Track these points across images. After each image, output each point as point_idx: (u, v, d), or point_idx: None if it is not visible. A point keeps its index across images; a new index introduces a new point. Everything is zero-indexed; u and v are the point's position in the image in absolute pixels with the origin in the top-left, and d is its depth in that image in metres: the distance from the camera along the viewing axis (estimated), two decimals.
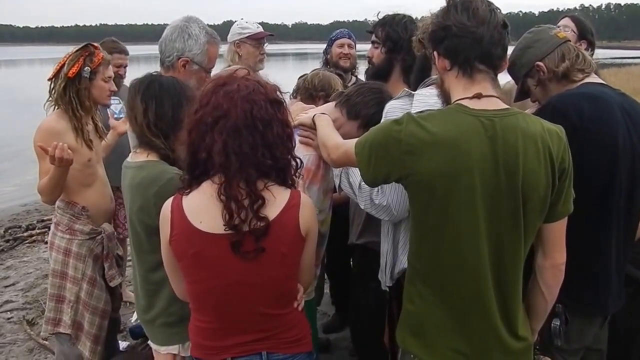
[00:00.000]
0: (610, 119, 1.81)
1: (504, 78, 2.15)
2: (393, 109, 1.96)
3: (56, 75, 2.47)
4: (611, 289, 1.92)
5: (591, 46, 2.90)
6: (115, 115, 3.43)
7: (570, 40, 2.01)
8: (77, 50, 2.48)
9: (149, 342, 2.08)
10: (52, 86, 2.49)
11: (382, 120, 1.97)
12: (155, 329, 2.01)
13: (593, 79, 1.95)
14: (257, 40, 3.44)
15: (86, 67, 2.45)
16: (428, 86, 1.99)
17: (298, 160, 1.65)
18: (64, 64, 2.45)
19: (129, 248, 3.52)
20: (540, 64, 1.95)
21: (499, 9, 1.50)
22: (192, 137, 1.57)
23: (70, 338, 2.57)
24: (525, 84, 2.03)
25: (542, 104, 1.92)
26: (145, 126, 1.93)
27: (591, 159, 1.78)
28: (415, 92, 1.97)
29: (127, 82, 3.45)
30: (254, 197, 1.51)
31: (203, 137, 1.54)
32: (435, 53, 1.55)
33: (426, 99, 1.88)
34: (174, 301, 1.87)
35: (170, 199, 1.62)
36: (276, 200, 1.55)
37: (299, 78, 2.90)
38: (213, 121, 1.52)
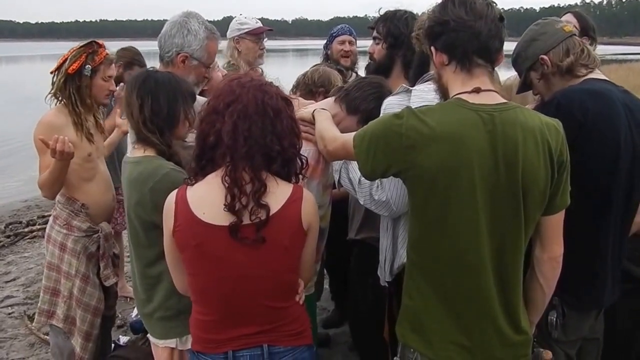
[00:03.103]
0: (614, 117, 1.81)
1: (505, 74, 2.16)
2: (391, 105, 1.95)
3: (58, 69, 2.47)
4: (606, 284, 1.93)
5: (593, 43, 2.90)
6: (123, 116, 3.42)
7: (576, 35, 2.00)
8: (80, 47, 2.48)
9: (148, 335, 2.09)
10: (53, 79, 2.50)
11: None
12: (153, 323, 2.02)
13: (597, 75, 1.95)
14: (256, 35, 3.42)
15: (87, 65, 2.45)
16: (426, 81, 1.99)
17: (304, 160, 1.67)
18: (66, 59, 2.45)
19: (127, 243, 3.53)
20: (545, 57, 1.94)
21: (495, 3, 1.51)
22: (202, 127, 1.60)
23: (64, 332, 2.58)
24: (528, 76, 2.03)
25: (546, 100, 1.91)
26: (141, 122, 1.93)
27: (593, 156, 1.79)
28: (413, 88, 1.97)
29: None
30: (257, 183, 1.52)
31: (213, 123, 1.56)
32: (432, 48, 1.55)
33: (424, 94, 1.88)
34: (172, 295, 1.89)
35: (175, 191, 1.63)
36: (279, 192, 1.56)
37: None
38: (224, 106, 1.55)
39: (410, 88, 1.98)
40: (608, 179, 1.83)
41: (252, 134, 1.52)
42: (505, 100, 1.51)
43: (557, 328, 1.86)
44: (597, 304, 1.95)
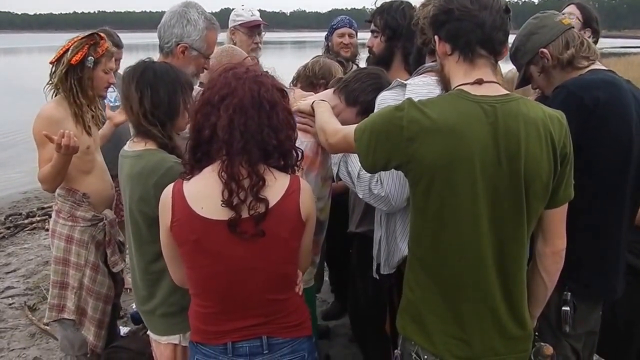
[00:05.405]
0: (625, 106, 1.82)
1: (507, 67, 2.15)
2: (385, 100, 1.94)
3: (58, 60, 2.45)
4: (619, 273, 1.94)
5: (595, 34, 2.90)
6: (112, 104, 3.41)
7: (574, 27, 2.00)
8: (82, 38, 2.46)
9: (148, 332, 2.08)
10: (53, 70, 2.48)
11: (374, 112, 1.96)
12: (155, 319, 2.01)
13: (598, 66, 1.95)
14: (249, 28, 3.38)
15: (90, 57, 2.43)
16: (421, 74, 1.98)
17: (299, 152, 1.66)
18: (67, 49, 2.43)
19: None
20: (545, 50, 1.94)
21: None
22: (197, 118, 1.57)
23: (74, 323, 2.59)
24: (528, 70, 2.02)
25: (556, 88, 1.90)
26: (142, 115, 1.91)
27: (605, 146, 1.80)
28: (407, 82, 1.96)
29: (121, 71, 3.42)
30: (254, 178, 1.51)
31: (208, 116, 1.54)
32: (436, 37, 1.54)
33: (418, 89, 1.87)
34: (175, 291, 1.88)
35: (171, 185, 1.61)
36: (277, 184, 1.55)
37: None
38: (219, 99, 1.53)
39: (405, 82, 1.96)
40: (620, 168, 1.83)
41: (248, 128, 1.51)
42: (507, 92, 1.50)
43: (569, 322, 1.87)
44: (610, 294, 1.96)
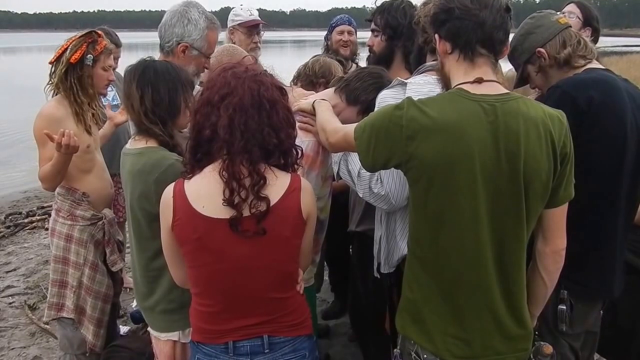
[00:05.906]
0: (619, 105, 1.82)
1: (507, 65, 2.16)
2: (385, 99, 1.94)
3: (58, 59, 2.45)
4: (616, 273, 1.94)
5: (596, 33, 2.90)
6: (112, 104, 3.41)
7: (571, 26, 2.01)
8: (80, 36, 2.47)
9: (149, 328, 2.10)
10: (52, 70, 2.48)
11: (375, 110, 1.96)
12: (155, 316, 2.02)
13: (595, 65, 1.95)
14: (248, 28, 3.38)
15: (89, 54, 2.44)
16: (422, 73, 1.98)
17: (299, 150, 1.66)
18: (66, 49, 2.44)
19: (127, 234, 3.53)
20: (542, 50, 1.95)
21: None
22: (197, 118, 1.58)
23: (74, 322, 2.59)
24: (525, 70, 2.03)
25: (550, 88, 1.91)
26: (143, 113, 1.92)
27: (600, 145, 1.80)
28: (408, 81, 1.96)
29: (119, 70, 3.42)
30: (255, 177, 1.51)
31: (208, 116, 1.54)
32: (436, 36, 1.55)
33: (419, 87, 1.87)
34: (175, 288, 1.87)
35: (172, 184, 1.62)
36: (277, 183, 1.56)
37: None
38: (219, 98, 1.53)
39: (405, 81, 1.96)
40: (616, 167, 1.83)
41: (249, 127, 1.51)
42: (507, 91, 1.50)
43: (566, 321, 1.87)
44: (607, 293, 1.96)
